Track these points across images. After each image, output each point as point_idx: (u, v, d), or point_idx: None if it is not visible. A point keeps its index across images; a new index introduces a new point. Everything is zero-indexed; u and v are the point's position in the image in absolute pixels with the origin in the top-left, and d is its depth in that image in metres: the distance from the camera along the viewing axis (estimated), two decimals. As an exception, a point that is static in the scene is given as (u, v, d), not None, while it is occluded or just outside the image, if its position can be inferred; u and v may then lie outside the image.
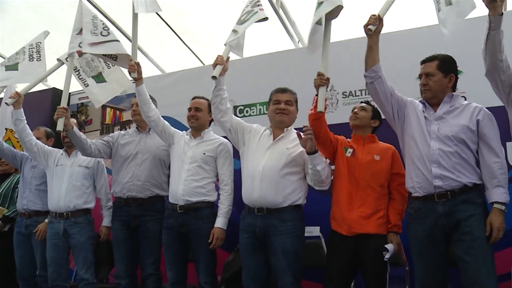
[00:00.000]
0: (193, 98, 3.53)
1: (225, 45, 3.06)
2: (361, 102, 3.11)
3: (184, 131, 3.53)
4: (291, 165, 2.91)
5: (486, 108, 2.68)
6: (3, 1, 5.38)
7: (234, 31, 3.06)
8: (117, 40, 3.39)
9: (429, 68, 2.64)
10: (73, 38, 3.50)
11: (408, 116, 2.70)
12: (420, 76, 2.69)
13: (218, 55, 3.00)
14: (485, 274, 2.30)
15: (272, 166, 2.89)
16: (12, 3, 5.41)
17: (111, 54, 3.43)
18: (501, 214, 2.37)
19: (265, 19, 3.06)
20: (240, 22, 3.09)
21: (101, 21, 3.45)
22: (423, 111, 2.66)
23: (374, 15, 2.57)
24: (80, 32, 3.44)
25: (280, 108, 3.02)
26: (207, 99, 3.49)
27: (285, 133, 3.01)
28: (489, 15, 2.29)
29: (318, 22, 2.79)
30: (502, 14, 2.26)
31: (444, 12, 2.57)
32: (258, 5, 3.12)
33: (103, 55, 3.44)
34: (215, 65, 2.96)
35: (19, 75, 3.76)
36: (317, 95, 2.76)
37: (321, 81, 2.72)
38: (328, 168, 2.90)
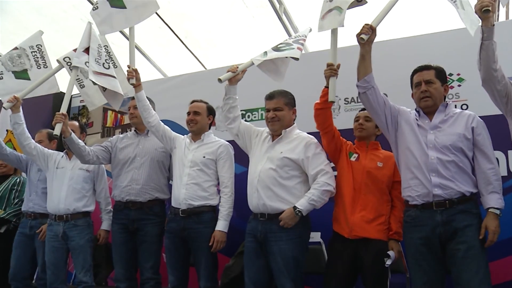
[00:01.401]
0: (192, 102, 3.52)
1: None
2: (363, 109, 3.10)
3: (185, 135, 3.52)
4: (286, 169, 2.90)
5: (488, 116, 2.69)
6: (5, 2, 5.39)
7: (265, 53, 3.08)
8: (115, 77, 3.52)
9: (428, 75, 2.65)
10: (79, 54, 3.52)
11: (401, 124, 2.70)
12: (417, 84, 2.68)
13: (234, 65, 3.04)
14: (477, 284, 2.31)
15: (267, 172, 2.90)
16: (14, 5, 5.42)
17: None
18: (497, 218, 2.40)
19: (296, 59, 3.06)
20: (276, 48, 3.12)
21: (105, 52, 3.60)
22: (417, 119, 2.67)
23: (367, 24, 2.58)
24: (86, 50, 3.51)
25: (268, 117, 3.03)
26: (205, 102, 3.52)
27: (283, 134, 3.00)
28: (481, 25, 2.32)
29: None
30: (493, 25, 2.29)
31: (462, 13, 2.54)
32: (300, 43, 3.14)
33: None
34: (227, 72, 3.01)
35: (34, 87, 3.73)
36: (326, 86, 2.78)
37: (331, 71, 2.75)
38: (328, 186, 2.87)
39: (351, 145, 3.06)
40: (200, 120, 3.44)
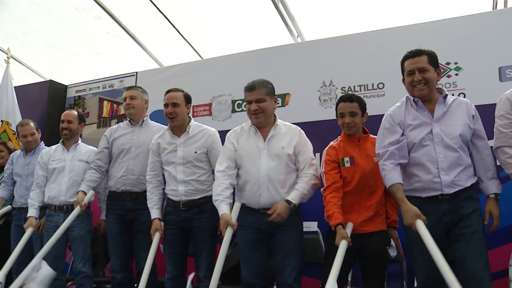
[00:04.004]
0: (167, 92, 3.33)
1: None
2: (344, 100, 2.90)
3: (159, 134, 3.39)
4: (290, 164, 2.86)
5: (485, 105, 2.68)
6: (-1, -8, 5.35)
7: None
8: None
9: (421, 63, 2.51)
10: None
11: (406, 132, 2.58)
12: (411, 72, 2.54)
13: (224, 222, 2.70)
14: (482, 268, 2.31)
15: (275, 170, 2.81)
16: (9, -6, 5.37)
17: None
18: (498, 203, 2.43)
19: None
20: None
21: None
22: (415, 110, 2.56)
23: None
24: None
25: (251, 109, 2.90)
26: (181, 91, 3.35)
27: (276, 130, 2.91)
28: None
29: None
30: None
31: None
32: None
33: None
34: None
35: None
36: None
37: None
38: (315, 179, 2.81)
39: (338, 148, 2.90)
40: (180, 112, 3.27)
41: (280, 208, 2.68)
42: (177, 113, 3.24)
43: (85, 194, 3.47)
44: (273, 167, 2.82)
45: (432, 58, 2.54)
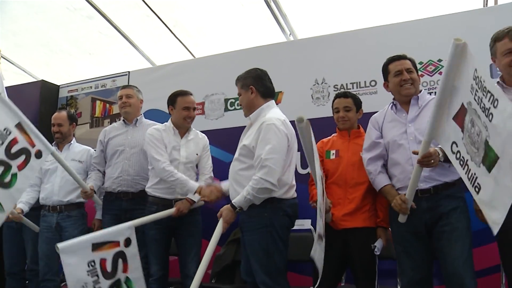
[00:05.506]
0: (186, 94, 3.39)
1: None
2: (339, 96, 3.05)
3: (158, 126, 3.44)
4: (242, 161, 2.74)
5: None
6: (-14, -10, 5.32)
7: None
8: None
9: (407, 64, 2.67)
10: None
11: (381, 129, 2.73)
12: (398, 73, 2.65)
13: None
14: (462, 265, 2.32)
15: (232, 164, 2.82)
16: (-1, -6, 5.34)
17: None
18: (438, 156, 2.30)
19: None
20: None
21: None
22: (395, 112, 2.68)
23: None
24: None
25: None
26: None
27: (251, 122, 2.82)
28: None
29: None
30: None
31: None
32: None
33: None
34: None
35: None
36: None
37: None
38: (264, 183, 2.54)
39: (325, 143, 3.04)
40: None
41: (224, 213, 2.66)
42: (194, 116, 3.43)
43: (94, 191, 3.54)
44: (233, 161, 2.83)
45: (413, 63, 2.72)
